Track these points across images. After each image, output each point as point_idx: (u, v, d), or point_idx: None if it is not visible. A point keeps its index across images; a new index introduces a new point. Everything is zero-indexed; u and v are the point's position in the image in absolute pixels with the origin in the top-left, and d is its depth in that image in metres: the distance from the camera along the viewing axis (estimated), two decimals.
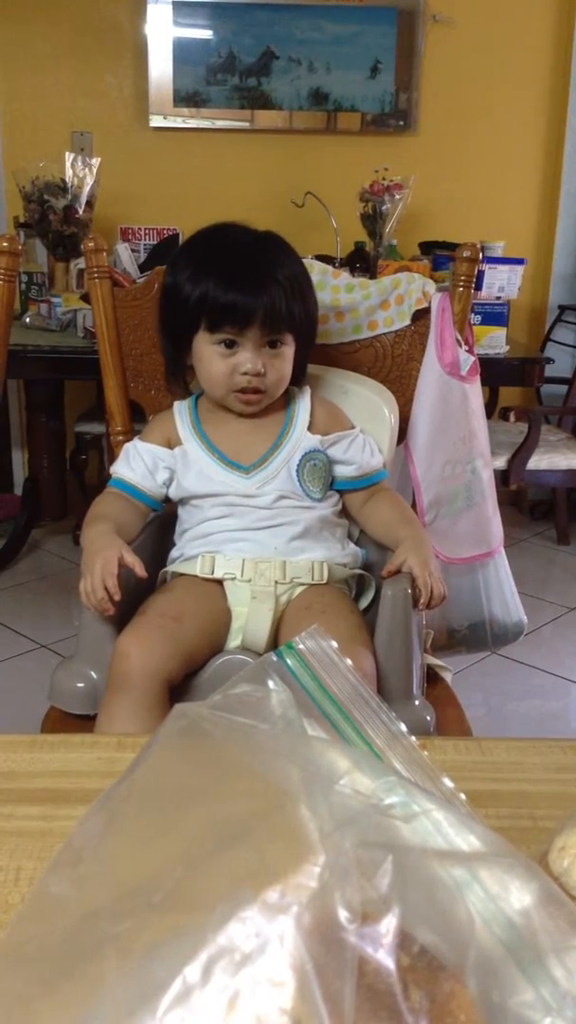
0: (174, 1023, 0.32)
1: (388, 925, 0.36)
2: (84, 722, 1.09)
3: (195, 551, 1.19)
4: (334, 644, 0.57)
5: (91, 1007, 0.34)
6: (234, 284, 1.14)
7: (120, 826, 0.41)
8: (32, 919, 0.39)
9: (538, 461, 2.76)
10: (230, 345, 1.16)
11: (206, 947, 0.33)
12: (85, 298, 2.34)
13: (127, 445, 1.27)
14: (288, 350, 1.19)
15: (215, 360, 1.17)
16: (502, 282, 2.66)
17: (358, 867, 0.36)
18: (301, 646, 0.56)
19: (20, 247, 1.38)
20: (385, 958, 0.35)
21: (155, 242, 3.11)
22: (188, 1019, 0.32)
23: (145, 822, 0.41)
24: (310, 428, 1.24)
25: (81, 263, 2.65)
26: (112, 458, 1.30)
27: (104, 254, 1.37)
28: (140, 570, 1.07)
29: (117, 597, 1.05)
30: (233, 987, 0.33)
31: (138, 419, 1.40)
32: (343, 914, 0.35)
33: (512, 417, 2.80)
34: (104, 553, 1.07)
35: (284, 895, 0.35)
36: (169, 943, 0.34)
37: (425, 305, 1.34)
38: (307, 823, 0.38)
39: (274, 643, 1.13)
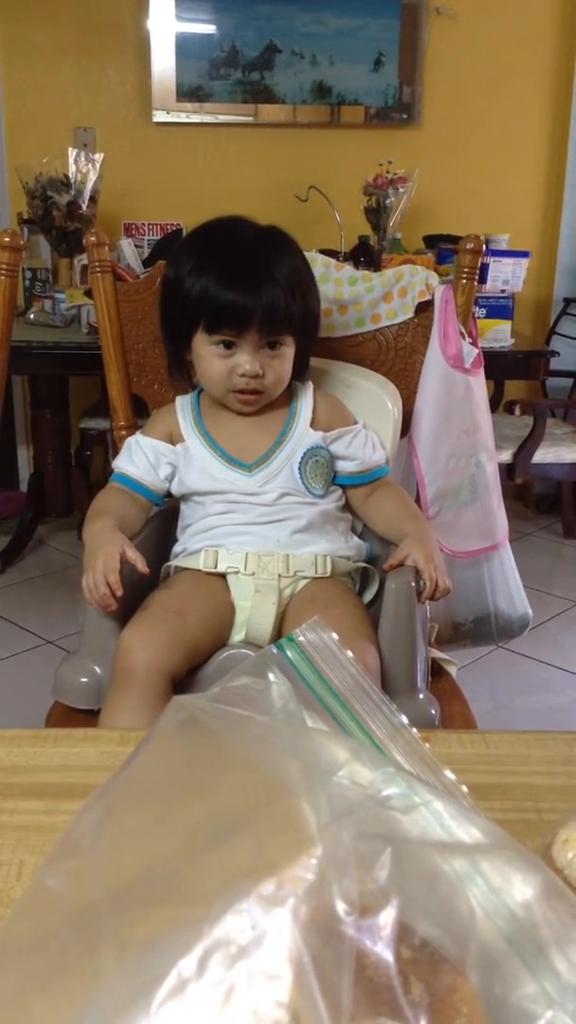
0: (169, 1016, 0.31)
1: (387, 917, 0.35)
2: (88, 717, 1.09)
3: (198, 545, 1.18)
4: (335, 636, 0.56)
5: (87, 1001, 0.34)
6: (232, 284, 1.12)
7: (117, 819, 0.41)
8: (29, 913, 0.38)
9: (543, 454, 2.75)
10: (228, 346, 1.16)
11: (202, 940, 0.33)
12: (89, 294, 2.33)
13: (129, 439, 1.27)
14: (288, 350, 1.19)
15: (213, 360, 1.17)
16: (507, 275, 2.65)
17: (356, 859, 0.36)
18: (302, 638, 0.55)
19: (22, 243, 1.38)
20: (384, 951, 0.35)
21: (159, 237, 3.11)
22: (183, 1012, 0.31)
23: (143, 815, 0.41)
24: (312, 423, 1.24)
25: (84, 259, 2.65)
26: (116, 453, 1.30)
27: (106, 248, 1.36)
28: (142, 566, 1.07)
29: (119, 593, 1.05)
30: (229, 980, 0.32)
31: (141, 414, 1.40)
32: (341, 906, 0.34)
33: (517, 410, 2.79)
34: (106, 548, 1.07)
35: (281, 887, 0.34)
36: (166, 937, 0.34)
37: (428, 297, 1.34)
38: (305, 815, 0.38)
39: (278, 637, 1.13)
